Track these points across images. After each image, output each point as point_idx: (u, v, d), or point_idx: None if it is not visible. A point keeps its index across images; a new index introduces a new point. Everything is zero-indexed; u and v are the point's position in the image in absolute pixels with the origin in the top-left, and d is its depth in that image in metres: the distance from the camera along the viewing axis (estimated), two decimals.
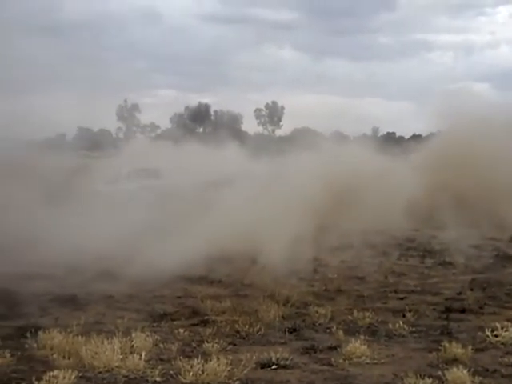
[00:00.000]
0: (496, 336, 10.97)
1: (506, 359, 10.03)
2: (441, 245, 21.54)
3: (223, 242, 18.35)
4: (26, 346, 10.26)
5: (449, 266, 17.97)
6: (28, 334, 10.52)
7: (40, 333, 10.48)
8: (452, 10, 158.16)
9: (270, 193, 22.76)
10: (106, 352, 9.47)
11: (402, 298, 14.31)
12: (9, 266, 15.64)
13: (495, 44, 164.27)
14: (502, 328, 11.10)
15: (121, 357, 9.46)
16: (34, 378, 8.69)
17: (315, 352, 10.42)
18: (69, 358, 9.60)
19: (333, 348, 10.52)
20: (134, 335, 10.39)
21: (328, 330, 11.68)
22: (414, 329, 11.75)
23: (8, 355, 9.56)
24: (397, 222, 23.94)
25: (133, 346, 10.05)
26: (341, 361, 9.89)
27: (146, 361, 9.50)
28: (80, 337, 10.21)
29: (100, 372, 9.25)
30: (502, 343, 10.80)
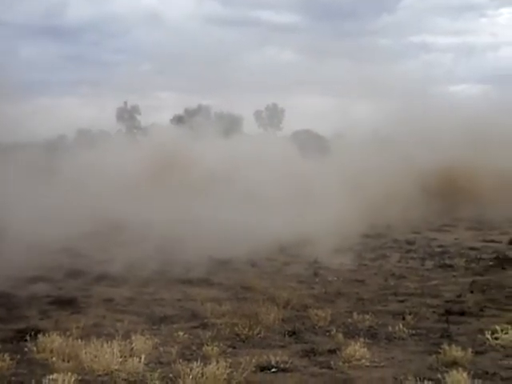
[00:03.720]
0: (496, 339, 10.97)
1: (505, 362, 10.03)
2: (441, 247, 21.57)
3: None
4: (26, 349, 10.26)
5: (449, 269, 17.96)
6: (28, 337, 10.53)
7: (40, 336, 10.49)
8: (453, 12, 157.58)
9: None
10: (106, 355, 9.46)
11: (401, 301, 14.29)
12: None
13: (496, 46, 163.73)
14: (501, 331, 11.10)
15: (120, 360, 9.46)
16: (33, 382, 8.73)
17: (315, 355, 10.42)
18: (68, 361, 9.59)
19: (332, 351, 10.51)
20: (133, 338, 10.41)
21: (328, 333, 11.67)
22: (413, 331, 11.74)
23: (7, 358, 9.54)
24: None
25: (132, 348, 10.06)
26: (340, 364, 9.89)
27: (146, 364, 9.50)
28: (80, 340, 10.22)
29: (99, 375, 9.26)
30: (502, 346, 10.79)
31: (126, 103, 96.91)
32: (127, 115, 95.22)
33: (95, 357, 9.46)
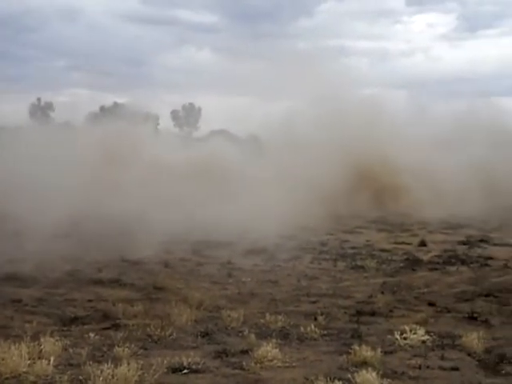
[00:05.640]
0: (405, 339, 11.18)
1: (413, 361, 10.22)
2: (353, 249, 21.87)
3: None
4: None
5: (360, 270, 18.24)
6: None
7: None
8: (369, 17, 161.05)
9: None
10: (13, 357, 9.22)
11: (314, 302, 14.44)
12: None
13: (410, 52, 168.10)
14: (410, 331, 11.32)
15: (28, 362, 9.24)
16: None
17: (227, 356, 10.40)
18: None
19: (245, 352, 10.50)
20: (42, 340, 10.16)
21: (240, 334, 11.69)
22: (325, 332, 11.86)
23: None
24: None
25: (41, 350, 9.82)
26: (252, 364, 9.89)
27: (55, 366, 9.29)
28: None
29: (7, 378, 9.00)
30: (411, 346, 11.01)
31: (39, 100, 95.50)
32: (40, 112, 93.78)
33: (2, 359, 9.21)
